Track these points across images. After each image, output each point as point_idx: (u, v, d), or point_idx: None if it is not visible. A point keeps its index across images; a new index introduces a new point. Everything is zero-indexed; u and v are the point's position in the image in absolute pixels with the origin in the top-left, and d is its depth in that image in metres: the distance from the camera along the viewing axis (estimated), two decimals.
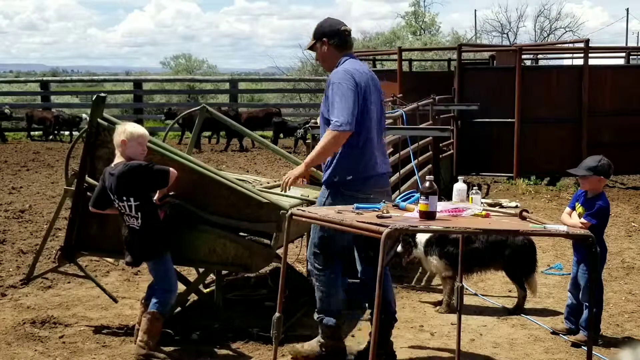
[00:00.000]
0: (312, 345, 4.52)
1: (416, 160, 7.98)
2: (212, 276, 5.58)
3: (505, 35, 43.33)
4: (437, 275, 5.86)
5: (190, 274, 5.91)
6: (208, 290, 5.74)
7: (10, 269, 6.61)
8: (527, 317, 5.42)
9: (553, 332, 5.08)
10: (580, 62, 12.99)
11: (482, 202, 4.11)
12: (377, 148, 4.45)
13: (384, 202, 3.83)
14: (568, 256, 6.88)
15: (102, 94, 5.10)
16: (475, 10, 45.03)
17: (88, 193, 4.84)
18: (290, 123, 18.21)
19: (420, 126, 9.17)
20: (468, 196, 4.15)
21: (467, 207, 3.81)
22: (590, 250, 3.76)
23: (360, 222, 3.36)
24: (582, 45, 12.72)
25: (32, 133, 20.15)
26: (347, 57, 4.49)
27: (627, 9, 54.03)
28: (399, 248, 5.62)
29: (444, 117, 11.44)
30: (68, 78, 31.99)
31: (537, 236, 4.66)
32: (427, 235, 5.54)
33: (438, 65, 24.09)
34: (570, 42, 28.91)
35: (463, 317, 4.57)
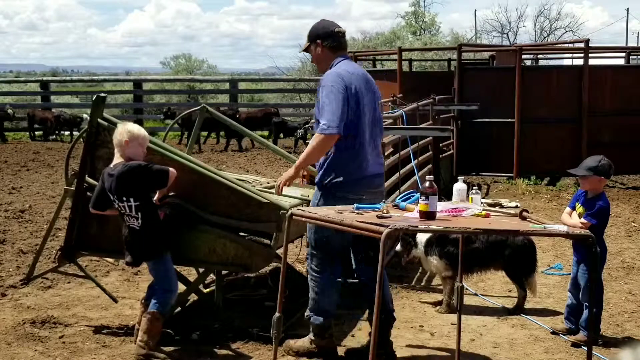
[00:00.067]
0: (304, 341, 4.58)
1: (416, 160, 7.98)
2: (212, 276, 5.58)
3: (505, 35, 43.35)
4: (437, 275, 5.86)
5: (190, 274, 5.91)
6: (208, 290, 5.74)
7: (10, 269, 6.61)
8: (527, 317, 5.42)
9: (553, 332, 5.08)
10: (580, 62, 12.99)
11: (482, 202, 4.11)
12: (371, 149, 4.47)
13: (384, 202, 3.83)
14: (568, 256, 6.88)
15: (102, 94, 5.10)
16: (475, 10, 45.05)
17: (88, 193, 4.84)
18: (290, 123, 18.21)
19: (420, 126, 9.16)
20: (468, 196, 4.15)
21: (467, 207, 3.81)
22: (590, 250, 3.76)
23: (360, 222, 3.36)
24: (582, 45, 12.72)
25: (35, 133, 20.17)
26: (342, 58, 4.50)
27: (627, 9, 54.06)
28: (398, 247, 5.63)
29: (444, 117, 11.44)
30: (68, 78, 32.00)
31: (537, 236, 4.67)
32: (427, 235, 5.54)
33: (438, 65, 24.09)
34: (570, 42, 28.91)
35: (463, 317, 4.57)
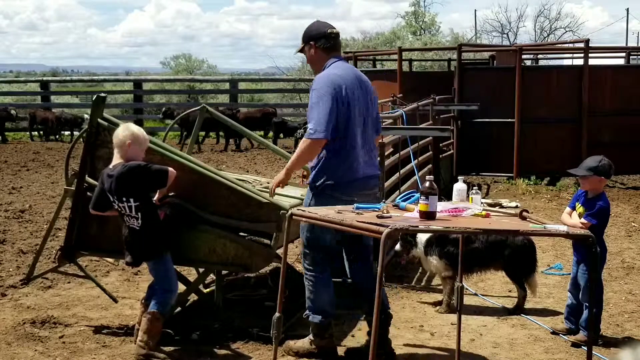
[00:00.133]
0: (304, 342, 4.58)
1: (416, 160, 7.98)
2: (212, 276, 5.58)
3: (505, 35, 43.36)
4: (437, 275, 5.86)
5: (190, 274, 5.92)
6: (208, 290, 5.74)
7: (10, 269, 6.61)
8: (527, 317, 5.42)
9: (553, 332, 5.08)
10: (580, 62, 12.98)
11: (482, 202, 4.11)
12: (364, 151, 4.47)
13: (384, 202, 3.83)
14: (568, 256, 6.88)
15: (102, 94, 5.11)
16: (475, 10, 45.07)
17: (88, 193, 4.85)
18: (290, 123, 18.21)
19: (420, 126, 9.16)
20: (468, 196, 4.15)
21: (467, 207, 3.81)
22: (590, 250, 3.76)
23: (360, 222, 3.36)
24: (582, 45, 12.71)
25: (33, 133, 20.17)
26: (335, 59, 4.51)
27: (627, 9, 54.03)
28: (398, 247, 5.62)
29: (444, 117, 11.43)
30: (68, 78, 32.01)
31: (537, 236, 4.67)
32: (427, 235, 5.54)
33: (438, 65, 24.09)
34: (570, 42, 28.91)
35: (463, 317, 4.57)
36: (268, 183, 5.99)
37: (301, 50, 4.64)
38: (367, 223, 3.30)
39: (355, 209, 3.74)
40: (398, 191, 7.12)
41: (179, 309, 5.19)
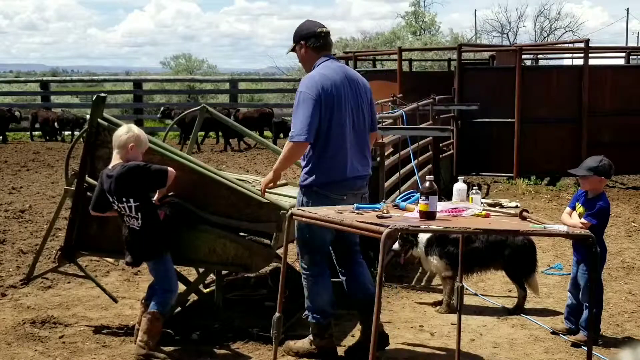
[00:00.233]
0: (304, 342, 4.59)
1: (416, 160, 7.98)
2: (212, 276, 5.58)
3: (505, 35, 43.39)
4: (437, 275, 5.86)
5: (190, 274, 5.91)
6: (208, 290, 5.74)
7: (10, 269, 6.61)
8: (527, 317, 5.42)
9: (553, 332, 5.08)
10: (580, 62, 12.98)
11: (482, 202, 4.11)
12: (354, 151, 4.48)
13: (384, 202, 3.83)
14: (568, 256, 6.88)
15: (102, 94, 5.11)
16: (475, 10, 45.11)
17: (88, 193, 4.85)
18: (290, 123, 18.22)
19: (420, 126, 9.16)
20: (468, 196, 4.15)
21: (467, 207, 3.81)
22: (590, 250, 3.76)
23: (360, 222, 3.36)
24: (582, 45, 12.71)
25: (34, 133, 20.18)
26: (325, 58, 4.53)
27: (627, 9, 54.09)
28: (396, 246, 5.61)
29: (444, 117, 11.43)
30: (68, 78, 32.03)
31: (537, 236, 4.66)
32: (427, 235, 5.54)
33: (438, 65, 24.09)
34: (570, 42, 28.92)
35: (463, 317, 4.57)
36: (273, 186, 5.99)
37: (293, 50, 4.66)
38: (367, 223, 3.30)
39: (355, 209, 3.74)
40: (398, 191, 7.12)
41: (179, 309, 5.19)
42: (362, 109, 4.54)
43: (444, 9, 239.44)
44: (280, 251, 4.60)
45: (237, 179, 5.42)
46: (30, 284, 5.97)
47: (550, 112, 12.04)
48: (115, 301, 5.57)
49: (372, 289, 4.60)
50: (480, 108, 11.52)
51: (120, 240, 4.63)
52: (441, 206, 3.69)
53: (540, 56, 16.96)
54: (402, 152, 7.54)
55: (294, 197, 5.37)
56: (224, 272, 5.56)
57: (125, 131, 4.53)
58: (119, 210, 4.52)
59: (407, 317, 5.42)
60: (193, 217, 4.75)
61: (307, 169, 4.44)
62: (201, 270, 5.23)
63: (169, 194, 4.72)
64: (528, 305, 5.62)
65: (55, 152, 16.84)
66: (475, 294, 5.98)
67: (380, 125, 6.75)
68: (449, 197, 4.62)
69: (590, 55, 12.35)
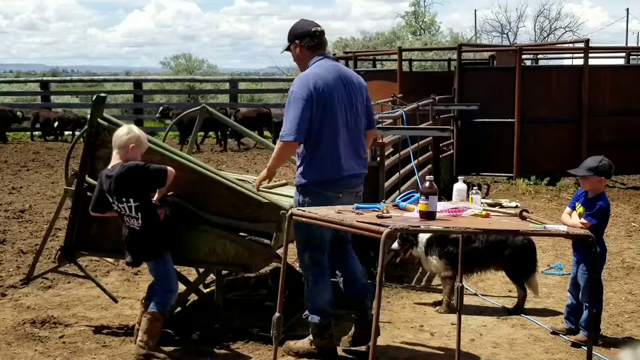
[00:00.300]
0: (304, 342, 4.59)
1: (416, 160, 7.97)
2: (212, 276, 5.58)
3: (505, 35, 43.41)
4: (437, 275, 5.86)
5: (190, 274, 5.91)
6: (208, 290, 5.74)
7: (10, 269, 6.61)
8: (527, 317, 5.42)
9: (553, 332, 5.08)
10: (580, 62, 12.97)
11: (482, 202, 4.11)
12: (348, 149, 4.49)
13: (384, 202, 3.83)
14: (568, 256, 6.88)
15: (102, 94, 5.11)
16: (475, 10, 45.15)
17: (88, 193, 4.85)
18: None
19: (420, 126, 9.16)
20: (468, 196, 4.15)
21: (467, 207, 3.81)
22: (590, 250, 3.76)
23: (360, 222, 3.36)
24: (582, 45, 12.71)
25: (34, 133, 20.19)
26: (319, 57, 4.55)
27: (627, 9, 54.12)
28: (395, 245, 5.61)
29: (444, 117, 11.43)
30: (68, 78, 32.03)
31: (537, 236, 4.66)
32: (427, 235, 5.54)
33: (438, 65, 24.09)
34: (570, 42, 28.92)
35: (463, 317, 4.57)
36: (268, 183, 5.99)
37: (287, 49, 4.68)
38: (367, 223, 3.30)
39: (355, 209, 3.74)
40: (398, 191, 7.12)
41: (179, 309, 5.19)
42: (356, 108, 4.55)
43: (444, 9, 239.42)
44: (280, 251, 4.60)
45: (237, 179, 5.42)
46: (30, 284, 5.97)
47: (550, 112, 12.04)
48: (115, 301, 5.57)
49: (361, 280, 4.67)
50: (480, 108, 11.51)
51: (120, 240, 4.63)
52: (441, 206, 3.69)
53: (540, 56, 16.95)
54: (402, 152, 7.54)
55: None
56: (224, 272, 5.56)
57: (126, 132, 4.53)
58: (118, 210, 4.51)
59: (407, 317, 5.41)
60: (193, 217, 4.75)
61: (301, 168, 4.48)
62: (201, 270, 5.23)
63: (169, 193, 4.72)
64: (528, 305, 5.62)
65: (55, 152, 16.84)
66: (475, 294, 5.98)
67: (380, 125, 6.77)
68: (449, 197, 4.62)
69: (590, 55, 12.35)
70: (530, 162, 12.03)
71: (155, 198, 4.63)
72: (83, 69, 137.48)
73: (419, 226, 3.42)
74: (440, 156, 10.61)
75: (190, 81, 28.81)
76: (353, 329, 4.67)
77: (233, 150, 17.35)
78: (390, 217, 3.51)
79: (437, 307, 5.60)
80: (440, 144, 10.73)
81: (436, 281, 6.20)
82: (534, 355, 4.70)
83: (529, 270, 5.55)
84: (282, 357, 4.54)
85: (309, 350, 4.54)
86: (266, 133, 18.89)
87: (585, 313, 4.82)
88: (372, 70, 16.85)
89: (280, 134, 4.40)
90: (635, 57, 18.91)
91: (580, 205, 4.84)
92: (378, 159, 6.28)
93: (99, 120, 4.90)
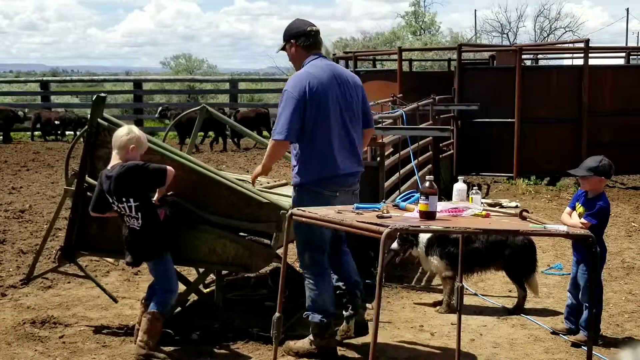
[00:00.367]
0: (304, 342, 4.59)
1: (416, 160, 7.98)
2: (212, 276, 5.58)
3: (505, 35, 43.40)
4: (437, 275, 5.86)
5: (190, 274, 5.91)
6: (208, 290, 5.74)
7: (10, 269, 6.61)
8: (527, 317, 5.42)
9: (553, 332, 5.08)
10: (580, 62, 12.97)
11: (482, 202, 4.11)
12: (343, 148, 4.51)
13: (384, 202, 3.83)
14: (568, 256, 6.88)
15: (102, 94, 5.11)
16: (475, 10, 45.13)
17: (88, 193, 4.85)
18: None
19: (420, 126, 9.16)
20: (468, 196, 4.15)
21: (467, 207, 3.81)
22: (590, 250, 3.76)
23: (360, 222, 3.36)
24: (582, 45, 12.71)
25: (35, 133, 20.20)
26: (314, 56, 4.58)
27: (627, 9, 54.09)
28: (395, 245, 5.61)
29: (444, 117, 11.43)
30: (68, 78, 32.03)
31: (537, 236, 4.66)
32: (427, 235, 5.54)
33: (438, 65, 24.08)
34: (570, 42, 28.92)
35: (463, 317, 4.57)
36: (268, 183, 6.00)
37: (283, 49, 4.69)
38: (367, 223, 3.30)
39: (355, 208, 3.74)
40: (398, 191, 7.12)
41: (179, 309, 5.19)
42: (351, 107, 4.57)
43: (444, 9, 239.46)
44: (280, 251, 4.60)
45: (237, 179, 5.42)
46: (30, 284, 5.97)
47: (550, 112, 12.04)
48: (115, 301, 5.57)
49: (354, 278, 4.71)
50: (480, 108, 11.52)
51: (120, 240, 4.63)
52: (441, 206, 3.69)
53: (540, 56, 16.95)
54: (402, 152, 7.54)
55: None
56: (224, 272, 5.56)
57: (127, 132, 4.53)
58: (118, 210, 4.51)
59: (407, 317, 5.41)
60: (193, 217, 4.75)
61: (297, 168, 4.51)
62: (201, 270, 5.23)
63: (169, 193, 4.72)
64: (528, 305, 5.62)
65: (55, 152, 16.84)
66: (475, 294, 5.98)
67: (380, 125, 6.77)
68: (449, 197, 4.62)
69: (590, 55, 12.34)
70: (530, 162, 12.03)
71: (155, 198, 4.63)
72: (83, 69, 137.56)
73: (419, 226, 3.42)
74: (440, 156, 10.62)
75: (190, 81, 28.80)
76: (343, 325, 4.68)
77: (233, 150, 17.35)
78: (390, 217, 3.51)
79: (437, 307, 5.59)
80: (440, 144, 10.73)
81: (436, 281, 6.20)
82: (534, 355, 4.70)
83: (529, 270, 5.56)
84: (282, 357, 4.54)
85: (309, 350, 4.54)
86: (265, 133, 18.88)
87: (585, 313, 4.82)
88: (372, 70, 16.85)
89: (272, 132, 4.46)
90: (635, 57, 18.91)
91: (580, 205, 4.84)
92: (378, 159, 6.28)
93: (99, 120, 4.90)
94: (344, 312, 4.67)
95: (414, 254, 5.67)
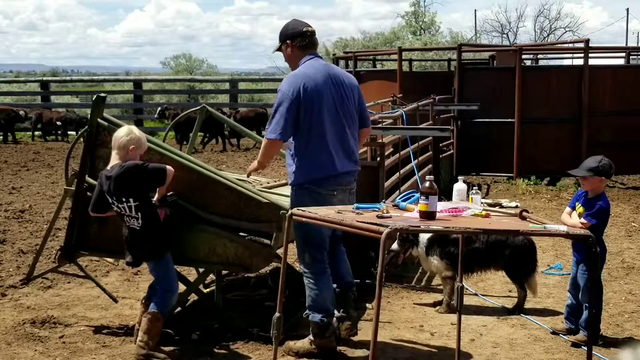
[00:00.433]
0: (304, 342, 4.59)
1: (416, 160, 7.97)
2: (212, 276, 5.58)
3: (505, 35, 43.38)
4: (437, 275, 5.86)
5: (190, 274, 5.92)
6: (208, 290, 5.74)
7: (10, 269, 6.61)
8: (527, 317, 5.42)
9: (553, 332, 5.08)
10: (580, 62, 12.97)
11: (482, 202, 4.11)
12: (339, 147, 4.53)
13: (384, 202, 3.83)
14: (568, 256, 6.88)
15: (102, 94, 5.11)
16: (475, 10, 45.12)
17: (88, 193, 4.85)
18: None
19: (420, 126, 9.16)
20: (468, 196, 4.15)
21: (467, 207, 3.81)
22: (590, 250, 3.76)
23: (360, 222, 3.36)
24: (582, 45, 12.71)
25: (35, 133, 20.19)
26: (310, 57, 4.59)
27: (627, 9, 54.06)
28: (395, 245, 5.61)
29: (444, 117, 11.43)
30: (68, 78, 32.05)
31: (537, 236, 4.66)
32: (428, 235, 5.54)
33: (438, 65, 24.08)
34: (570, 42, 28.91)
35: (463, 317, 4.57)
36: (268, 183, 6.00)
37: (279, 49, 4.70)
38: (367, 223, 3.30)
39: (355, 208, 3.74)
40: (398, 191, 7.12)
41: (179, 309, 5.19)
42: (347, 107, 4.58)
43: (444, 9, 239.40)
44: (280, 251, 4.60)
45: (237, 179, 5.42)
46: (30, 284, 5.97)
47: (550, 112, 12.03)
48: (115, 301, 5.57)
49: (348, 278, 4.74)
50: (480, 108, 11.51)
51: (120, 240, 4.63)
52: (441, 206, 3.68)
53: (540, 56, 16.95)
54: (402, 152, 7.54)
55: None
56: (224, 272, 5.56)
57: (127, 133, 4.53)
58: (118, 210, 4.51)
59: (407, 317, 5.42)
60: (193, 217, 4.75)
61: (293, 168, 4.53)
62: (201, 270, 5.23)
63: (169, 193, 4.72)
64: (528, 305, 5.62)
65: (55, 152, 16.85)
66: (475, 294, 5.98)
67: (380, 125, 6.77)
68: (449, 197, 4.63)
69: (590, 55, 12.34)
70: (530, 162, 12.03)
71: (155, 198, 4.63)
72: (83, 69, 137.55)
73: (419, 226, 3.42)
74: (440, 156, 10.62)
75: (190, 81, 28.82)
76: (334, 323, 4.69)
77: (233, 150, 17.36)
78: (390, 217, 3.51)
79: (437, 307, 5.59)
80: (440, 144, 10.73)
81: (436, 281, 6.20)
82: (534, 355, 4.70)
83: (529, 271, 5.55)
84: (282, 357, 4.54)
85: (309, 350, 4.55)
86: (265, 133, 18.90)
87: (585, 313, 4.82)
88: (372, 70, 16.84)
89: (265, 131, 4.49)
90: (635, 57, 18.91)
91: (580, 205, 4.84)
92: (378, 159, 6.28)
93: (99, 120, 4.90)
94: (336, 313, 4.67)
95: (414, 254, 5.67)
